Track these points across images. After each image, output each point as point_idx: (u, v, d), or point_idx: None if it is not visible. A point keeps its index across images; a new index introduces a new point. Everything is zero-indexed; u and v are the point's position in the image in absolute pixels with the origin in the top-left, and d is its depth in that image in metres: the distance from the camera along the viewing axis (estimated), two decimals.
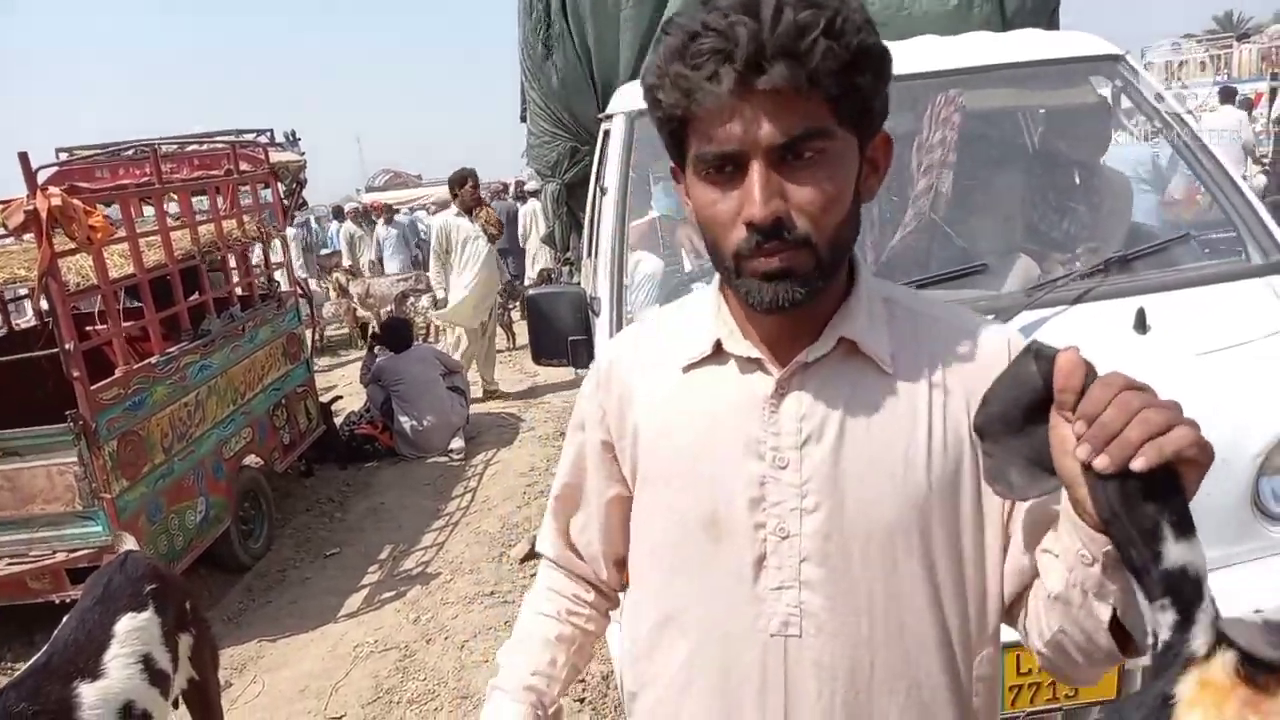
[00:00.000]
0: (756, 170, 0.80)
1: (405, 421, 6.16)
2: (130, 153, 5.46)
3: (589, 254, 3.40)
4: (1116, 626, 0.80)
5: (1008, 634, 1.96)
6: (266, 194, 5.97)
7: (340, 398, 7.00)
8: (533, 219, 10.19)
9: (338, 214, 13.89)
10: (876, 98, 0.84)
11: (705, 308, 0.98)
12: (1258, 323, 2.13)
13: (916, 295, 1.00)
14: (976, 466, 0.89)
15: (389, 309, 9.59)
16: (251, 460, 4.91)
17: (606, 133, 3.10)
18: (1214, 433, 2.06)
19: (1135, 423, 0.64)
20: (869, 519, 0.90)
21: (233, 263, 5.45)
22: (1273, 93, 13.24)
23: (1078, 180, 2.62)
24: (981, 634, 0.95)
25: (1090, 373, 0.70)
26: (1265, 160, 10.68)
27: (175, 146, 5.78)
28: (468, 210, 6.95)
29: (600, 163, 3.15)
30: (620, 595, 1.19)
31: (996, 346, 0.92)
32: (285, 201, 6.31)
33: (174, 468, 4.06)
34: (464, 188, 6.96)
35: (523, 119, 4.49)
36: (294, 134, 7.23)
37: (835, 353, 0.91)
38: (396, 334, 6.70)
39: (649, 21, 3.46)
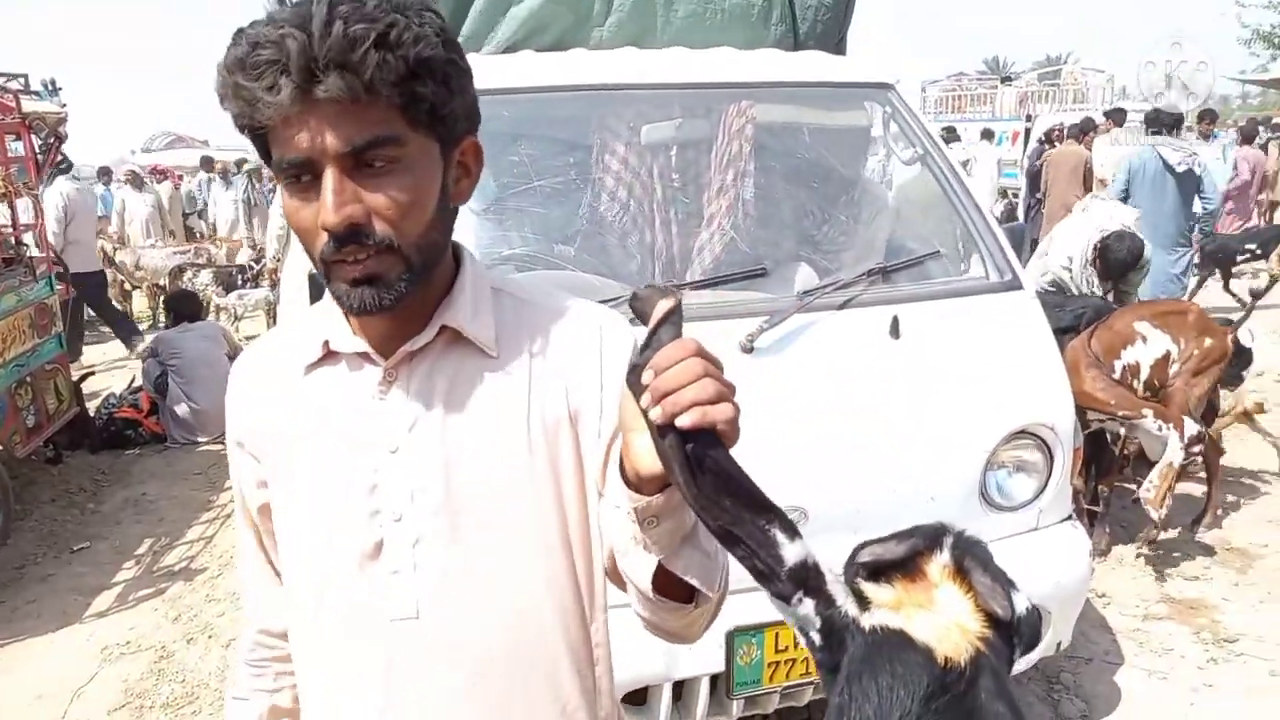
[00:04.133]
0: (329, 178, 0.81)
1: (180, 403, 5.69)
2: None
3: None
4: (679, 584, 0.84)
5: (763, 615, 2.10)
6: (17, 146, 5.33)
7: (92, 373, 6.36)
8: None
9: (103, 175, 12.62)
10: (448, 105, 0.85)
11: (323, 310, 0.99)
12: (993, 334, 2.40)
13: (523, 284, 1.04)
14: (576, 441, 0.95)
15: (162, 283, 8.83)
16: None
17: None
18: (950, 429, 2.29)
19: (693, 386, 0.69)
20: (477, 497, 0.93)
21: None
22: (1026, 133, 14.84)
23: (850, 194, 2.83)
24: (592, 603, 1.00)
25: (674, 321, 0.75)
26: (1010, 193, 12.06)
27: None
28: None
29: None
30: None
31: (589, 327, 0.97)
32: (40, 157, 5.67)
33: None
34: None
35: None
36: (53, 83, 6.50)
37: (439, 340, 0.94)
38: (184, 305, 6.20)
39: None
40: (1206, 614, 3.36)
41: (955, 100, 18.61)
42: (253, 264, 9.10)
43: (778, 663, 2.12)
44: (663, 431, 0.71)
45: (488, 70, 2.66)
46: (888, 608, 0.68)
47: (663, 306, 0.75)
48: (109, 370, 7.44)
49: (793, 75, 2.83)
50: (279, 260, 6.79)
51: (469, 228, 2.86)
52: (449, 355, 0.94)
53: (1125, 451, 3.84)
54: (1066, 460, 2.31)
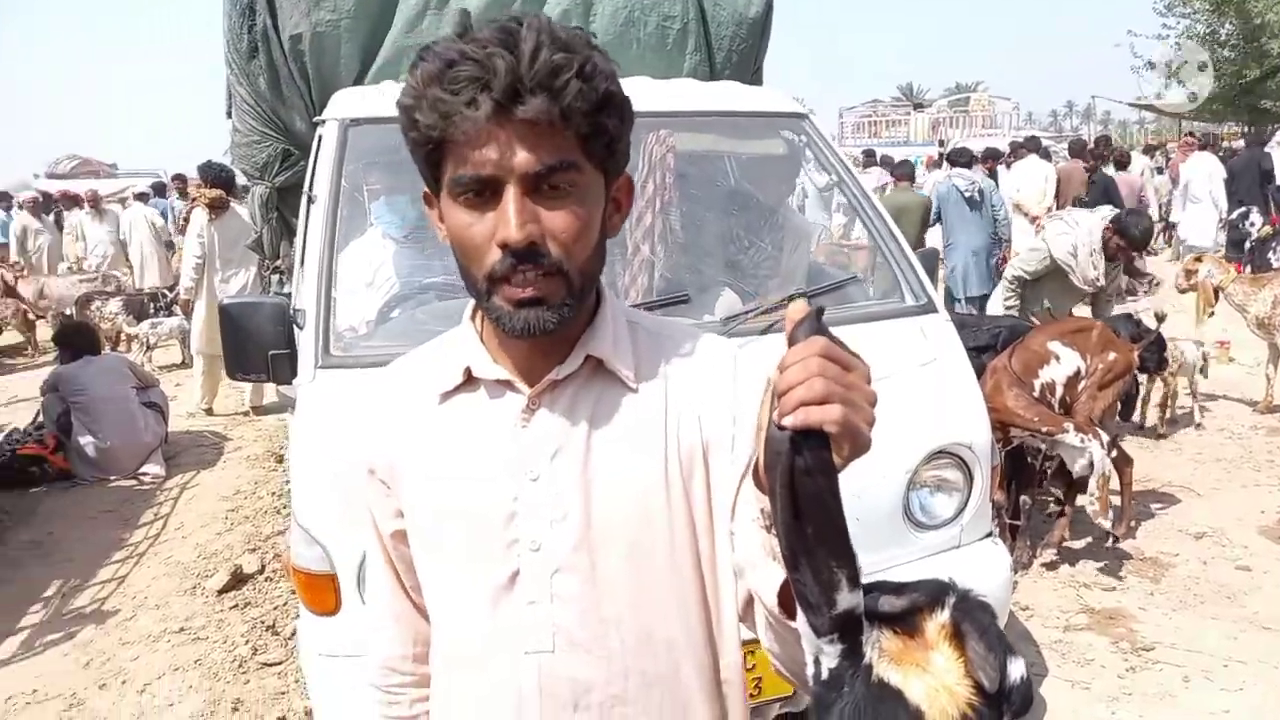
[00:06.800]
0: (512, 195, 0.84)
1: (85, 440, 5.43)
2: None
3: (301, 263, 3.22)
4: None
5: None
6: None
7: None
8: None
9: (2, 201, 12.10)
10: (621, 140, 0.91)
11: (457, 338, 1.01)
12: (909, 356, 2.45)
13: (655, 318, 1.09)
14: (707, 473, 0.97)
15: (68, 312, 8.47)
16: None
17: (320, 138, 2.96)
18: (872, 451, 2.32)
19: (804, 385, 0.65)
20: (615, 525, 0.95)
21: None
22: (941, 157, 15.32)
23: (769, 221, 2.88)
24: (722, 636, 1.00)
25: (808, 325, 0.70)
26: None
27: None
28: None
29: (313, 170, 3.00)
30: None
31: (723, 360, 1.00)
32: None
33: None
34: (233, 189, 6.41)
35: (228, 115, 4.15)
36: None
37: (583, 370, 0.96)
38: (79, 338, 5.92)
39: (373, 26, 3.34)
40: (1124, 623, 3.47)
41: (872, 125, 19.18)
42: (165, 292, 8.79)
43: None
44: (778, 433, 0.67)
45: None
46: (891, 660, 0.69)
47: (795, 309, 0.71)
48: (11, 405, 7.09)
49: (710, 105, 2.88)
50: (192, 291, 6.59)
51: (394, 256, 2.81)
52: (591, 385, 0.96)
53: (1044, 466, 3.96)
54: (985, 478, 2.37)
